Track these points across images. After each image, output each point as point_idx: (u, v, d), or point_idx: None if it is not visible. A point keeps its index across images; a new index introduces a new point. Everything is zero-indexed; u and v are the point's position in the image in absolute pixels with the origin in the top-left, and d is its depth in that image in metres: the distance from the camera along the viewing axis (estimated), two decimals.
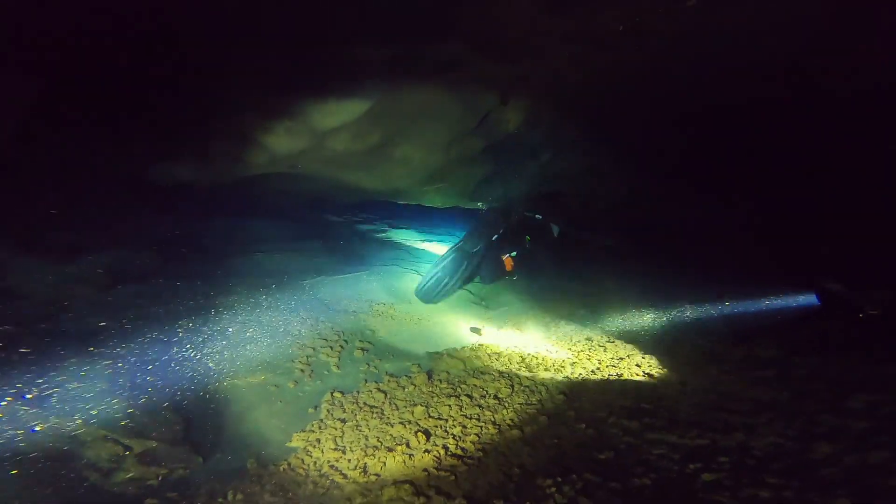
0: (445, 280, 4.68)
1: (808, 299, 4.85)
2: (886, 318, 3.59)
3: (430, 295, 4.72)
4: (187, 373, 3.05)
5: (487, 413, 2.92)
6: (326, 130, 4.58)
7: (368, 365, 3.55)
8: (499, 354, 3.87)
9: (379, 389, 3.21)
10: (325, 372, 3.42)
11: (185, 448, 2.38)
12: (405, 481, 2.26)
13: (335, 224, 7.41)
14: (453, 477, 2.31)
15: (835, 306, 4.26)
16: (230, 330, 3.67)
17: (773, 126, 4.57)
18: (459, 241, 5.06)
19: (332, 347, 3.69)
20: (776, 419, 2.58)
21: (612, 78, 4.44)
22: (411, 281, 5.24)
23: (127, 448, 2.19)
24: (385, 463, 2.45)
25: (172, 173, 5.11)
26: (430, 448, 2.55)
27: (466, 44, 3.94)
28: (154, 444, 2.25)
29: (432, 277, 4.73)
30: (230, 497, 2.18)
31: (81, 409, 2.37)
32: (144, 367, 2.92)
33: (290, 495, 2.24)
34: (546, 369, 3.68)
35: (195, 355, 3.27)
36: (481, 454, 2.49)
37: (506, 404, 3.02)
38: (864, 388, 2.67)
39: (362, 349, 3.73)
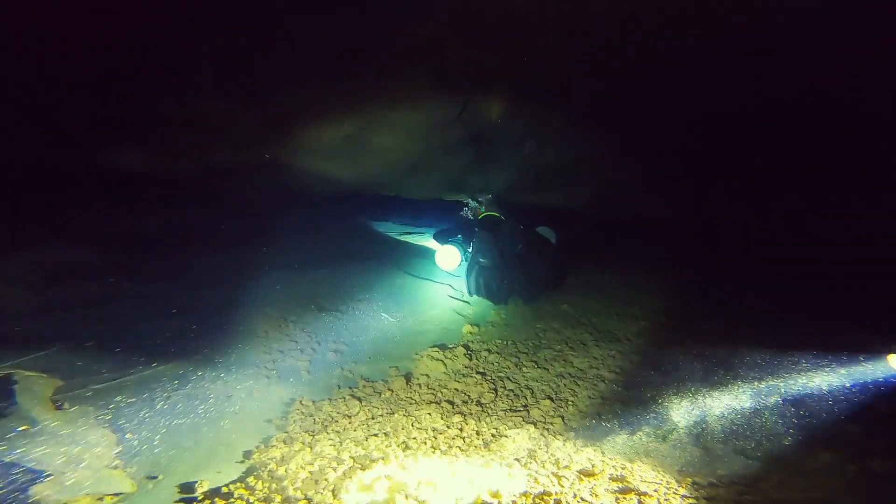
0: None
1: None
2: None
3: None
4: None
5: None
6: (295, 117, 4.23)
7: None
8: None
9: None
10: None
11: (116, 473, 2.02)
12: None
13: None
14: None
15: None
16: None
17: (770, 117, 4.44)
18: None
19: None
20: None
21: (601, 66, 4.22)
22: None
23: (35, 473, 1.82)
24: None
25: (126, 162, 4.65)
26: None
27: (447, 26, 3.65)
28: (73, 468, 1.88)
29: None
30: None
31: None
32: None
33: None
34: None
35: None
36: None
37: None
38: None
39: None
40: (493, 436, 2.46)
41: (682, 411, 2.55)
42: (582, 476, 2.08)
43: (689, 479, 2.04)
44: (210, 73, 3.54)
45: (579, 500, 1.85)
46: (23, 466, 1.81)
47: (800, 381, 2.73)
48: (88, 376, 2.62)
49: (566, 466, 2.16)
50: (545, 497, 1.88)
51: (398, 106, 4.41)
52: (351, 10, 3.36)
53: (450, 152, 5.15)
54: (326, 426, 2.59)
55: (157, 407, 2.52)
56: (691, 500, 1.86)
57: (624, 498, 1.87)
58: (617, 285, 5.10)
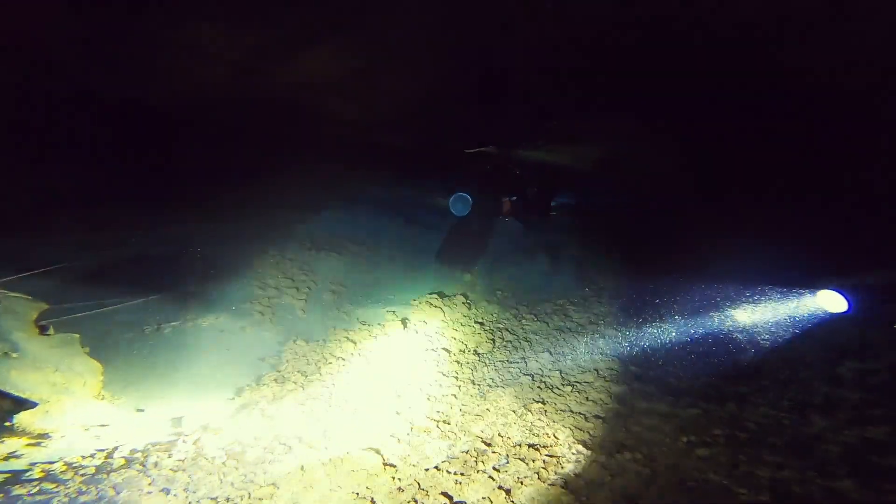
0: None
1: None
2: None
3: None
4: None
5: None
6: (298, 43, 3.80)
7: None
8: None
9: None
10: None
11: (98, 404, 1.98)
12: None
13: None
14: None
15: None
16: None
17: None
18: None
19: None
20: None
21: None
22: None
23: (19, 402, 1.77)
24: None
25: (117, 90, 4.27)
26: None
27: None
28: (59, 397, 1.84)
29: None
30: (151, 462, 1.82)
31: None
32: None
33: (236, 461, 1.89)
34: None
35: None
36: None
37: None
38: None
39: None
40: None
41: None
42: None
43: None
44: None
45: None
46: (6, 394, 1.76)
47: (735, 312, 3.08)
48: (76, 302, 2.54)
49: None
50: None
51: (409, 43, 3.97)
52: None
53: (460, 98, 4.75)
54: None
55: (149, 340, 2.47)
56: None
57: None
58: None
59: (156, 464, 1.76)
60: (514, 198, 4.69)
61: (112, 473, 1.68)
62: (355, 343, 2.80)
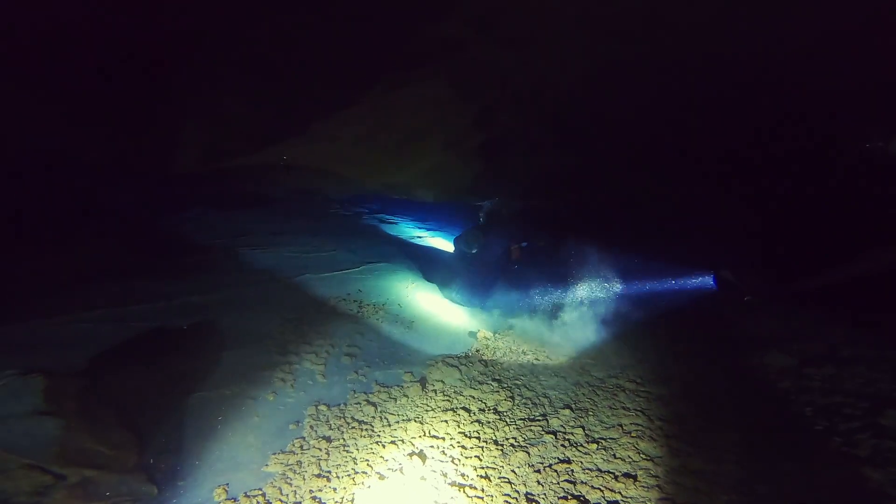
0: None
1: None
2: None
3: None
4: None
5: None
6: (312, 115, 4.22)
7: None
8: None
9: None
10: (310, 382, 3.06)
11: (135, 476, 2.00)
12: None
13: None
14: None
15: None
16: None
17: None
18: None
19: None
20: None
21: (620, 70, 4.15)
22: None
23: (59, 477, 1.81)
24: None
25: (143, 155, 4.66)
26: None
27: (467, 24, 3.61)
28: (94, 472, 1.87)
29: None
30: None
31: None
32: None
33: None
34: None
35: None
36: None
37: None
38: None
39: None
40: None
41: None
42: None
43: None
44: (232, 70, 3.54)
45: None
46: (46, 469, 1.79)
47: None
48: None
49: None
50: None
51: (416, 111, 4.39)
52: (371, 16, 3.34)
53: (464, 159, 5.12)
54: None
55: (176, 410, 2.51)
56: None
57: None
58: None
59: None
60: (524, 244, 4.88)
61: None
62: (375, 406, 2.82)
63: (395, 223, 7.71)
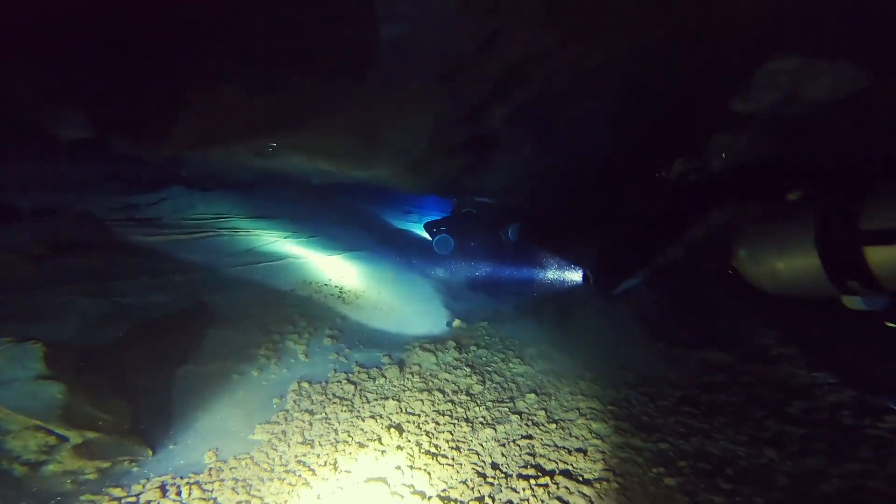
0: None
1: None
2: None
3: None
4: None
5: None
6: (302, 109, 4.29)
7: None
8: None
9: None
10: (292, 360, 3.23)
11: (131, 439, 2.15)
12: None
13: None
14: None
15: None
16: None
17: None
18: None
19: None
20: None
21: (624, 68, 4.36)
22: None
23: (62, 438, 1.93)
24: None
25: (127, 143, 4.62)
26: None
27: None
28: (95, 434, 2.01)
29: None
30: (185, 493, 1.99)
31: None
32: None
33: (255, 491, 2.07)
34: None
35: None
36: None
37: None
38: None
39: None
40: None
41: None
42: None
43: None
44: (227, 62, 3.59)
45: None
46: (50, 431, 1.92)
47: None
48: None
49: None
50: None
51: (404, 106, 4.53)
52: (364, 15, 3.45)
53: (451, 153, 5.31)
54: None
55: (163, 383, 2.64)
56: None
57: None
58: None
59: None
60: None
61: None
62: (355, 385, 3.02)
63: (378, 214, 7.85)
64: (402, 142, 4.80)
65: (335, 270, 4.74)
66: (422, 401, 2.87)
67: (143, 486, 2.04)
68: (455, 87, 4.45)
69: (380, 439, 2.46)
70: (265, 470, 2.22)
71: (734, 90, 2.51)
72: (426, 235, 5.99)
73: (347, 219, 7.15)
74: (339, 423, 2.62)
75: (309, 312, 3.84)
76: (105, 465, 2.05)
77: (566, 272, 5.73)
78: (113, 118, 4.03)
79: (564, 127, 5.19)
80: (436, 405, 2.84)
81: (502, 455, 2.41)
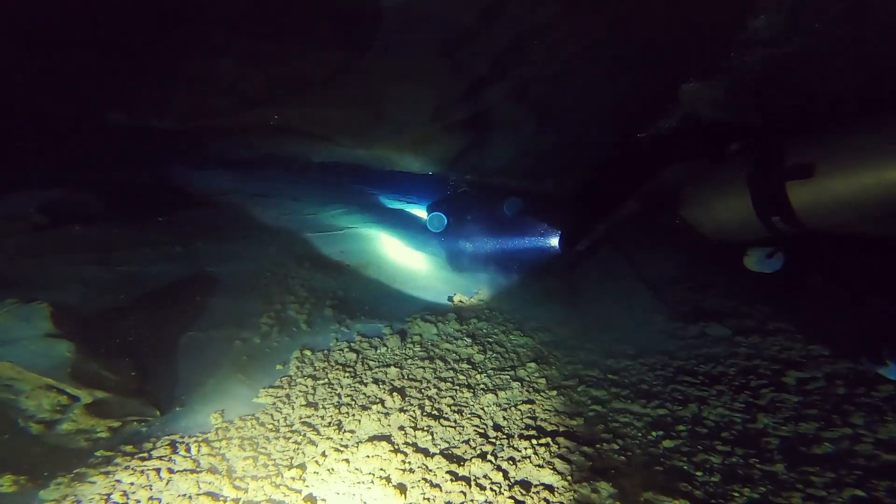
0: None
1: None
2: None
3: None
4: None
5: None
6: (301, 80, 4.22)
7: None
8: None
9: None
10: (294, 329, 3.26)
11: (139, 399, 2.18)
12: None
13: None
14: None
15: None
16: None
17: None
18: None
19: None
20: None
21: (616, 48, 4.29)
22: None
23: (73, 398, 1.96)
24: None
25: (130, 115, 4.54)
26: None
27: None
28: (104, 394, 2.04)
29: None
30: (194, 450, 2.03)
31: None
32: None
33: (261, 449, 2.11)
34: None
35: None
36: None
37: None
38: None
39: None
40: None
41: None
42: None
43: None
44: (222, 30, 3.51)
45: None
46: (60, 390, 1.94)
47: None
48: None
49: None
50: None
51: (405, 79, 4.46)
52: None
53: (451, 130, 5.25)
54: None
55: (168, 348, 2.67)
56: None
57: None
58: None
59: None
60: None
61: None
62: (357, 353, 3.06)
63: (378, 192, 7.81)
64: (403, 115, 4.75)
65: (336, 245, 4.74)
66: (423, 368, 2.92)
67: (154, 443, 2.09)
68: (455, 61, 4.40)
69: (382, 402, 2.51)
70: (271, 430, 2.27)
71: (725, 50, 2.59)
72: (424, 215, 6.07)
73: (349, 197, 7.13)
74: (341, 387, 2.67)
75: (310, 284, 3.85)
76: (116, 423, 2.09)
77: (556, 242, 5.89)
78: (109, 92, 3.97)
79: (564, 104, 5.13)
80: (437, 372, 2.89)
81: (504, 418, 2.46)
